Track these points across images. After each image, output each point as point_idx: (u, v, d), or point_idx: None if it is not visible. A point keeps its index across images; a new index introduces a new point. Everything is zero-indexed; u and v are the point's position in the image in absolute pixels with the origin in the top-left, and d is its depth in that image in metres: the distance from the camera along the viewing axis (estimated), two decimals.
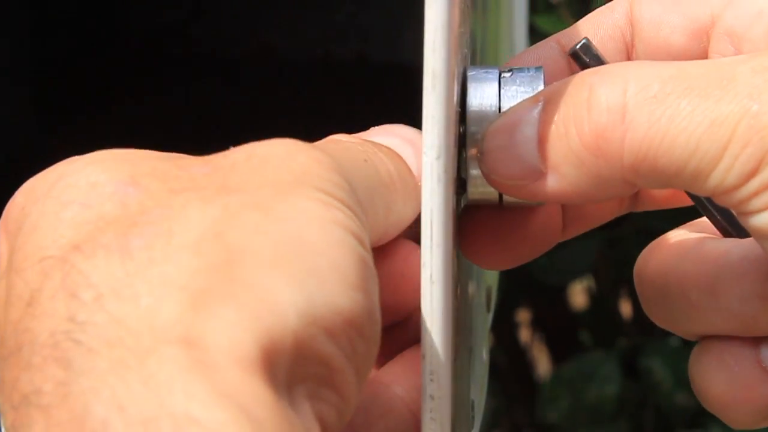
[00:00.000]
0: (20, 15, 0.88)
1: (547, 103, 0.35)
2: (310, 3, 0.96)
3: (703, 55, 0.39)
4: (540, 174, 0.35)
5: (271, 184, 0.30)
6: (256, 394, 0.27)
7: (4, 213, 0.32)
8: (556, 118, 0.34)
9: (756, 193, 0.33)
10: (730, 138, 0.32)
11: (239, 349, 0.27)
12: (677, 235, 0.38)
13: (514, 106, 0.36)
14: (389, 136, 0.37)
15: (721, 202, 0.34)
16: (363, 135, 0.38)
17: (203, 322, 0.27)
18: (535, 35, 1.03)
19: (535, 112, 0.35)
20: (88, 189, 0.30)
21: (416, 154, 0.36)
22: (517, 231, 0.39)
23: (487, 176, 0.36)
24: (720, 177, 0.33)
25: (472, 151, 0.37)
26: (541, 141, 0.35)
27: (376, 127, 0.38)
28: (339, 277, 0.29)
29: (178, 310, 0.27)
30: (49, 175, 0.32)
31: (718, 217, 0.38)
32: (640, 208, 0.42)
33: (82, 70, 0.95)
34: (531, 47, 0.41)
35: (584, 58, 0.38)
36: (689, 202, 0.39)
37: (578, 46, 0.38)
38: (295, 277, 0.28)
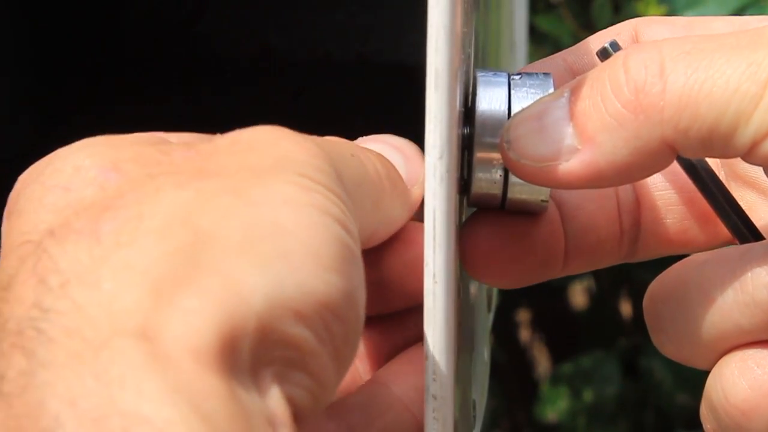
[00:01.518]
0: (19, 15, 0.88)
1: (575, 88, 0.35)
2: (310, 3, 0.96)
3: None
4: (573, 151, 0.35)
5: (249, 168, 0.30)
6: (209, 388, 0.26)
7: (8, 201, 0.32)
8: (588, 93, 0.34)
9: None
10: None
11: (195, 339, 0.27)
12: (692, 256, 0.37)
13: (537, 100, 0.36)
14: (377, 143, 0.37)
15: (761, 154, 0.33)
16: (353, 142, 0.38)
17: (161, 311, 0.27)
18: (535, 35, 1.03)
19: (563, 98, 0.35)
20: (72, 173, 0.30)
21: (405, 162, 0.36)
22: (520, 248, 0.39)
23: (515, 162, 0.35)
24: (762, 116, 0.33)
25: (485, 154, 0.36)
26: (574, 117, 0.35)
27: (363, 138, 0.38)
28: (312, 259, 0.29)
29: (138, 296, 0.27)
30: (42, 161, 0.32)
31: (737, 221, 0.38)
32: (641, 255, 0.41)
33: (82, 71, 0.95)
34: (536, 62, 0.41)
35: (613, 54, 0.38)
36: (689, 248, 0.39)
37: (608, 44, 0.38)
38: (263, 260, 0.28)
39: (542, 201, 0.38)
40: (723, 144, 0.34)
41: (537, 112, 0.35)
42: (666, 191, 0.40)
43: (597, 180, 0.35)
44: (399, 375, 0.37)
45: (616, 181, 0.35)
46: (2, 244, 0.31)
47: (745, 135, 0.33)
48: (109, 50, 0.97)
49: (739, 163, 0.40)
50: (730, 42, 0.34)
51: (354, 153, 0.34)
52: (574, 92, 0.35)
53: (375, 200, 0.34)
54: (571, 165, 0.35)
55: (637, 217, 0.40)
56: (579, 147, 0.35)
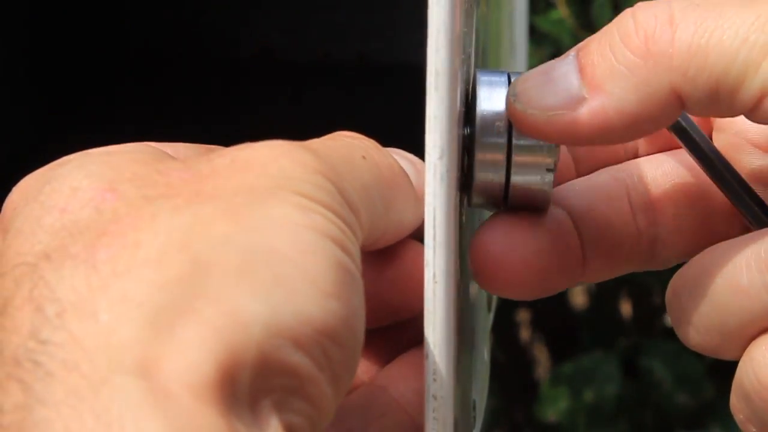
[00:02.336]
0: (20, 16, 0.88)
1: (582, 45, 0.35)
2: (310, 3, 0.96)
3: None
4: (581, 100, 0.34)
5: (247, 191, 0.30)
6: (209, 426, 0.26)
7: (2, 210, 0.32)
8: (596, 46, 0.34)
9: None
10: None
11: (195, 374, 0.26)
12: (714, 246, 0.37)
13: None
14: (392, 152, 0.37)
15: (767, 109, 0.33)
16: None
17: (160, 344, 0.27)
18: (535, 35, 1.03)
19: (570, 56, 0.35)
20: (69, 194, 0.30)
21: (417, 175, 0.36)
22: (534, 256, 0.38)
23: (522, 115, 0.35)
24: None
25: (485, 155, 0.36)
26: (582, 68, 0.35)
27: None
28: (310, 285, 0.29)
29: (135, 329, 0.27)
30: (40, 177, 0.31)
31: (755, 207, 0.38)
32: (666, 256, 0.40)
33: (82, 71, 0.95)
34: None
35: None
36: (714, 242, 0.39)
37: None
38: (261, 288, 0.28)
39: (544, 199, 0.38)
40: (730, 96, 0.34)
41: (544, 68, 0.35)
42: (682, 186, 0.40)
43: (605, 131, 0.35)
44: (397, 378, 0.37)
45: (623, 134, 0.35)
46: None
47: (753, 86, 0.33)
48: (109, 50, 0.97)
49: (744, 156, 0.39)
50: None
51: (367, 154, 0.34)
52: (582, 48, 0.35)
53: (387, 201, 0.34)
54: (580, 114, 0.34)
55: (654, 216, 0.40)
56: (587, 96, 0.34)
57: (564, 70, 0.35)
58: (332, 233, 0.30)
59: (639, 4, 0.35)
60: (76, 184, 0.30)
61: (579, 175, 0.40)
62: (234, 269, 0.28)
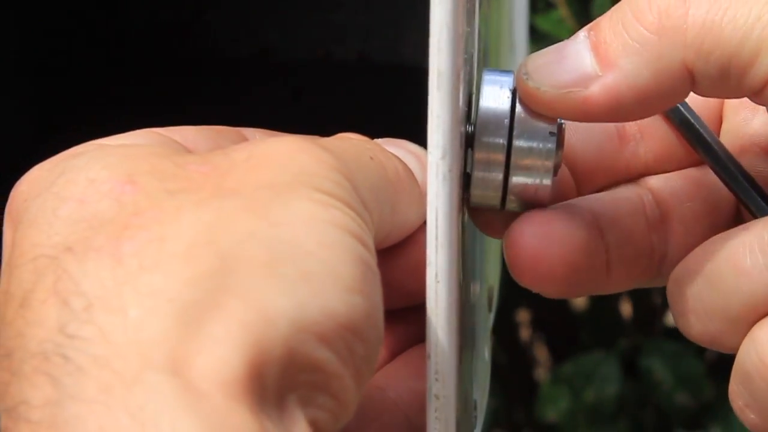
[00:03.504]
0: (19, 16, 0.88)
1: (594, 24, 0.35)
2: (310, 3, 0.96)
3: None
4: (595, 77, 0.35)
5: (268, 186, 0.30)
6: (241, 424, 0.26)
7: (9, 201, 0.32)
8: (608, 24, 0.35)
9: None
10: None
11: (225, 371, 0.27)
12: (714, 237, 0.37)
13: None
14: (395, 147, 0.37)
15: None
16: None
17: (190, 340, 0.27)
18: (535, 35, 1.03)
19: (582, 35, 0.35)
20: (86, 185, 0.30)
21: (422, 169, 0.36)
22: (566, 251, 0.38)
23: (535, 92, 0.35)
24: None
25: (485, 154, 0.36)
26: (595, 46, 0.35)
27: (382, 139, 0.38)
28: (334, 281, 0.29)
29: (166, 325, 0.27)
30: (53, 168, 0.31)
31: (755, 195, 0.38)
32: (666, 277, 0.39)
33: (81, 71, 0.95)
34: None
35: None
36: None
37: None
38: (287, 283, 0.28)
39: (541, 202, 0.38)
40: (740, 74, 0.34)
41: (556, 47, 0.35)
42: (690, 206, 0.40)
43: (617, 107, 0.35)
44: (395, 378, 0.37)
45: (635, 110, 0.35)
46: (8, 253, 0.31)
47: (763, 66, 0.33)
48: (109, 50, 0.97)
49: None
50: None
51: (374, 155, 0.34)
52: (594, 27, 0.35)
53: (393, 203, 0.34)
54: (593, 91, 0.35)
55: (665, 233, 0.40)
56: (600, 73, 0.34)
57: (576, 48, 0.35)
58: (352, 229, 0.30)
59: None
60: (93, 175, 0.30)
61: (580, 194, 0.40)
62: (260, 264, 0.28)
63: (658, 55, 0.34)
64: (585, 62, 0.35)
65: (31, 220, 0.30)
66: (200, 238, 0.28)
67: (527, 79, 0.35)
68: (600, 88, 0.34)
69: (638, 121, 0.40)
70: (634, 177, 0.40)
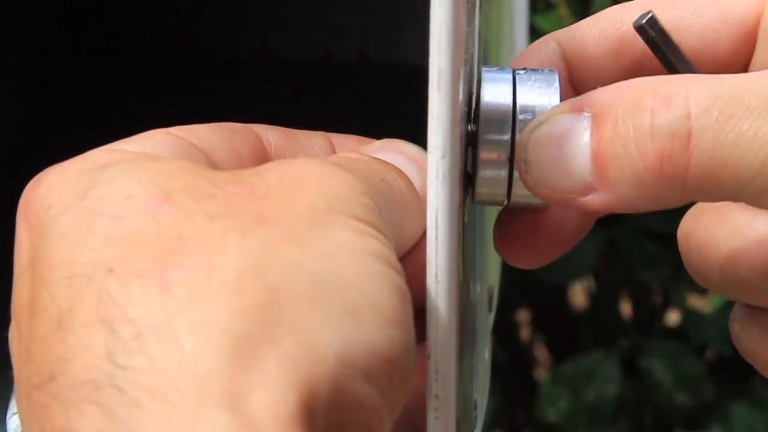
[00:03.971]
0: (19, 17, 0.88)
1: (597, 116, 0.34)
2: (310, 3, 0.95)
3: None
4: (592, 188, 0.34)
5: (306, 213, 0.30)
6: None
7: (24, 201, 0.31)
8: (613, 137, 0.34)
9: None
10: None
11: (281, 407, 0.26)
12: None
13: (556, 114, 0.35)
14: (394, 153, 0.37)
15: None
16: (367, 148, 0.38)
17: (244, 376, 0.26)
18: (536, 35, 1.03)
19: (585, 123, 0.34)
20: (120, 201, 0.29)
21: (420, 173, 0.36)
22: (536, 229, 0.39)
23: (533, 187, 0.35)
24: None
25: (489, 152, 0.36)
26: (596, 158, 0.34)
27: (380, 142, 0.38)
28: (376, 314, 0.29)
29: (221, 359, 0.27)
30: (78, 178, 0.31)
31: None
32: None
33: (81, 71, 0.95)
34: (531, 46, 0.41)
35: (650, 32, 0.37)
36: None
37: (644, 21, 0.37)
38: (332, 317, 0.28)
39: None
40: (748, 202, 0.34)
41: (557, 136, 0.35)
42: None
43: (612, 212, 0.36)
44: None
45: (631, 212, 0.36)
46: (27, 259, 0.30)
47: (764, 205, 0.33)
48: (109, 50, 0.97)
49: None
50: (759, 105, 0.33)
51: (384, 177, 0.34)
52: (596, 122, 0.34)
53: (400, 222, 0.34)
54: (589, 201, 0.35)
55: None
56: (596, 187, 0.34)
57: (577, 145, 0.34)
58: (387, 257, 0.30)
59: (653, 95, 0.33)
60: (127, 190, 0.29)
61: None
62: (306, 298, 0.28)
63: (657, 195, 0.34)
64: (584, 171, 0.34)
65: (63, 234, 0.29)
66: (248, 269, 0.28)
67: (526, 171, 0.35)
68: (597, 201, 0.34)
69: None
70: None
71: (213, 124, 0.35)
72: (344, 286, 0.28)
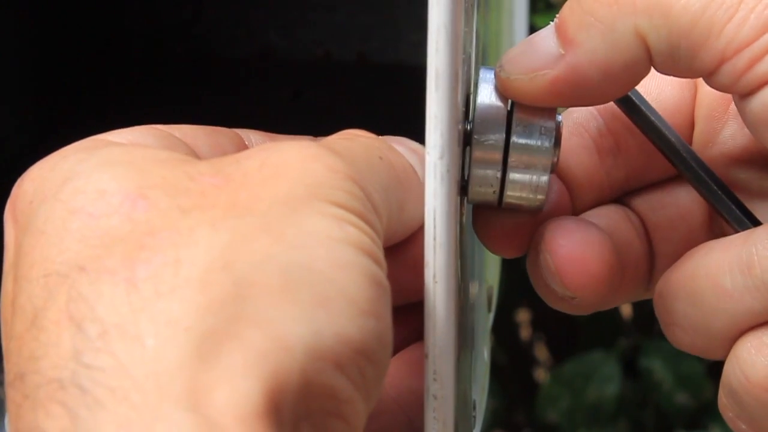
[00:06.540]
0: (19, 17, 0.88)
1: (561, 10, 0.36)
2: (310, 3, 0.96)
3: None
4: (559, 57, 0.35)
5: (282, 201, 0.29)
6: None
7: (11, 199, 0.31)
8: (569, 2, 0.35)
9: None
10: None
11: (244, 405, 0.26)
12: (695, 249, 0.37)
13: None
14: (397, 144, 0.37)
15: (729, 75, 0.33)
16: None
17: (207, 372, 0.26)
18: None
19: (552, 21, 0.36)
20: (95, 197, 0.29)
21: (422, 165, 0.36)
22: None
23: (507, 82, 0.36)
24: (734, 30, 0.33)
25: (483, 152, 0.37)
26: (558, 27, 0.35)
27: (384, 137, 0.38)
28: (348, 305, 0.28)
29: (183, 356, 0.26)
30: (55, 168, 0.30)
31: (735, 209, 0.38)
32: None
33: (81, 71, 0.95)
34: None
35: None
36: None
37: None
38: (302, 310, 0.28)
39: (539, 199, 0.38)
40: (690, 54, 0.34)
41: (528, 38, 0.36)
42: (664, 211, 0.40)
43: (583, 86, 0.35)
44: (395, 377, 0.37)
45: (601, 87, 0.35)
46: (12, 256, 0.30)
47: (714, 48, 0.33)
48: (109, 50, 0.97)
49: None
50: None
51: (383, 155, 0.34)
52: (560, 12, 0.36)
53: (401, 202, 0.34)
54: (558, 71, 0.35)
55: (647, 243, 0.40)
56: (563, 52, 0.35)
57: (544, 34, 0.36)
58: (366, 246, 0.30)
59: None
60: (102, 186, 0.29)
61: (575, 210, 0.40)
62: (276, 290, 0.28)
63: (611, 26, 0.34)
64: (551, 44, 0.35)
65: (41, 229, 0.29)
66: (215, 262, 0.28)
67: (501, 70, 0.36)
68: (564, 66, 0.35)
69: (614, 135, 0.40)
70: (616, 190, 0.41)
71: (197, 125, 0.35)
72: (315, 278, 0.28)
